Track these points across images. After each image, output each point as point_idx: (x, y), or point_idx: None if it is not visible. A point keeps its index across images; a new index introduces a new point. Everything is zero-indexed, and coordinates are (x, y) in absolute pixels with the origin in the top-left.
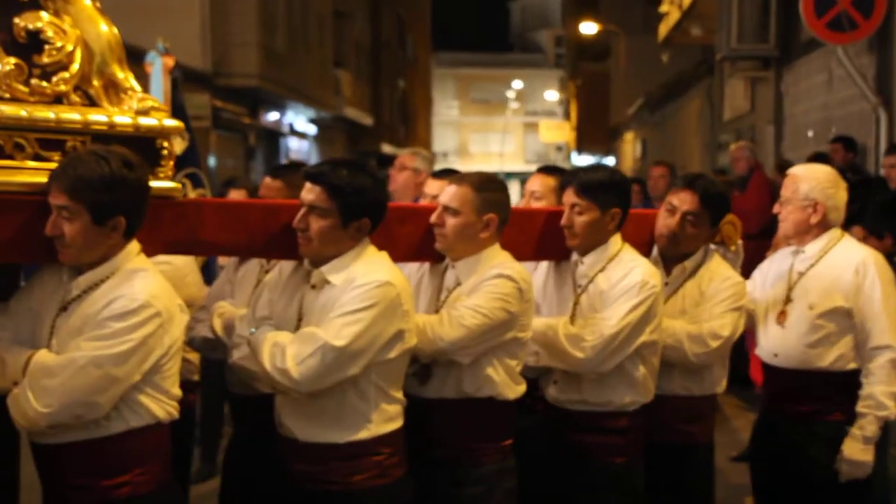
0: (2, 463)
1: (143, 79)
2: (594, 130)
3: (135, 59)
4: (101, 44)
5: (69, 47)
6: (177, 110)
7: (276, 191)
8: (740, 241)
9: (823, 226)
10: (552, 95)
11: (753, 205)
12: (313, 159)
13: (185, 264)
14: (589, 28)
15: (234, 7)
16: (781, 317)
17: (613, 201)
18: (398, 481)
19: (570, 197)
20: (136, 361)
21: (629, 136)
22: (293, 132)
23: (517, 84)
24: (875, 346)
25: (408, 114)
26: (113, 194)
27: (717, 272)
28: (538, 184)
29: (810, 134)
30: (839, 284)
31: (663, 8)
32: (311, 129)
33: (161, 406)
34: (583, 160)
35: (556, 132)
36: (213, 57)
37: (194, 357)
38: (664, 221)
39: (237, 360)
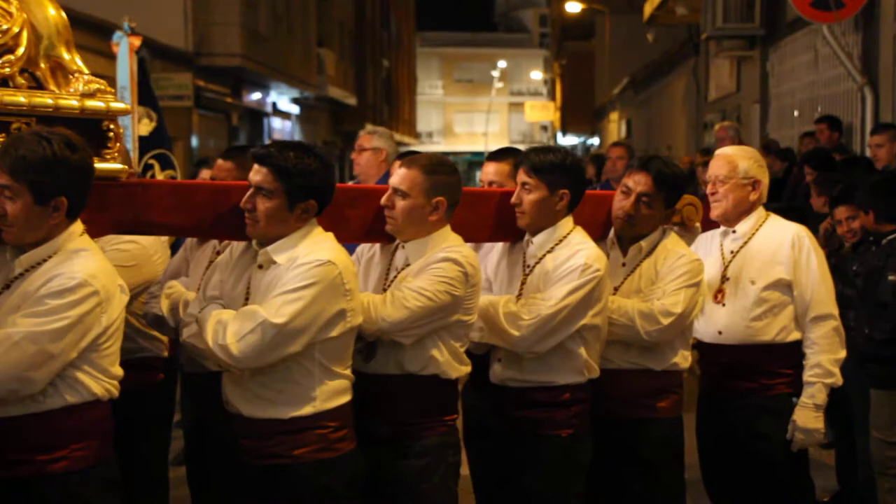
0: None
1: (112, 58)
2: (579, 110)
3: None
4: (49, 27)
5: (15, 30)
6: (144, 90)
7: (227, 171)
8: (698, 224)
9: (758, 204)
10: (537, 75)
11: None
12: (297, 139)
13: (152, 243)
14: (574, 7)
15: None
16: (720, 295)
17: (562, 182)
18: (345, 455)
19: (520, 175)
20: (72, 339)
21: (614, 117)
22: (276, 112)
23: (502, 64)
24: (816, 316)
25: (392, 94)
26: (54, 175)
27: (673, 251)
28: (493, 172)
29: (796, 114)
30: (777, 258)
31: None
32: (295, 109)
33: (99, 384)
34: (568, 140)
35: (541, 112)
36: (195, 36)
37: (162, 335)
38: (619, 203)
39: (186, 339)
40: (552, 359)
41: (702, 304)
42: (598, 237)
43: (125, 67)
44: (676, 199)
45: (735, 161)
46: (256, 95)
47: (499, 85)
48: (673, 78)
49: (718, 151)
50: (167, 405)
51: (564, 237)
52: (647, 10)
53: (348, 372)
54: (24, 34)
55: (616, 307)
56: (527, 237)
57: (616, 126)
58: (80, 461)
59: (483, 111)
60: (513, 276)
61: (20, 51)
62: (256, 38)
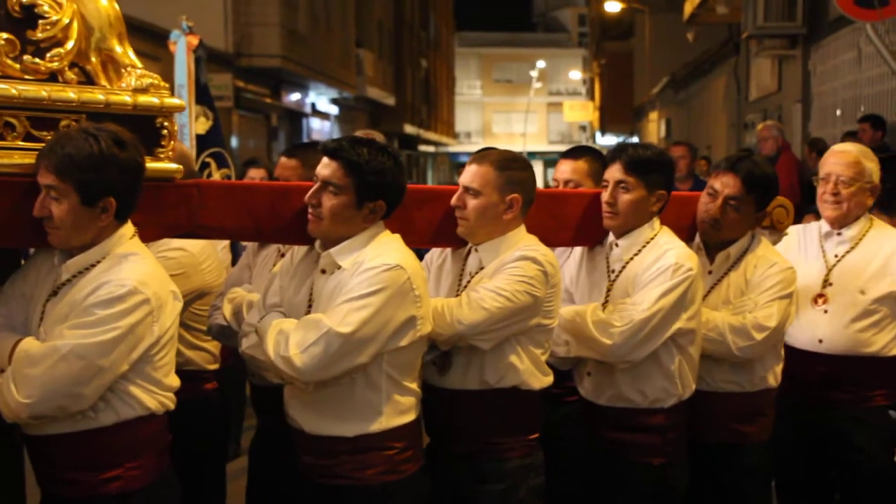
0: (2, 458)
1: (169, 58)
2: (618, 110)
3: (159, 39)
4: (100, 18)
5: (65, 21)
6: (200, 89)
7: (291, 170)
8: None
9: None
10: (576, 75)
11: (781, 185)
12: None
13: (201, 250)
14: (613, 6)
15: None
16: (820, 300)
17: (660, 182)
18: (411, 477)
19: (615, 173)
20: (123, 350)
21: (653, 116)
22: (315, 112)
23: (540, 64)
24: None
25: (430, 94)
26: (102, 174)
27: (764, 258)
28: (569, 171)
29: (838, 113)
30: (889, 268)
31: None
32: (333, 110)
33: (153, 397)
34: (607, 140)
35: (580, 112)
36: (234, 37)
37: (213, 346)
38: (705, 206)
39: (246, 350)
40: (644, 369)
41: (794, 314)
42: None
43: (182, 66)
44: (767, 202)
45: (863, 163)
46: (296, 96)
47: (537, 85)
48: (713, 77)
49: (840, 148)
50: (219, 418)
51: (651, 239)
52: (688, 8)
53: (416, 386)
54: (75, 26)
55: (704, 320)
56: (610, 240)
57: (655, 126)
58: (135, 480)
59: (521, 111)
60: (595, 283)
61: (70, 44)
62: (296, 38)
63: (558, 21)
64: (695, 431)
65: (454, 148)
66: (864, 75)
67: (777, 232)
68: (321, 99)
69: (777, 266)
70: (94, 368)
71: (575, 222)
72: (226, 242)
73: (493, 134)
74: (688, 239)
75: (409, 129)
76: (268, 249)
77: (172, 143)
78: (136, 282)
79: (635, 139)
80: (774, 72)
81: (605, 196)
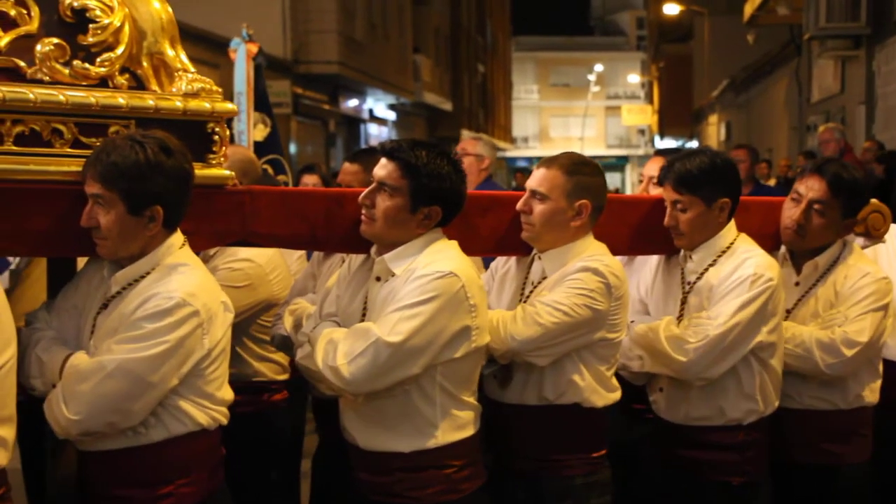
0: (33, 472)
1: (228, 66)
2: (677, 113)
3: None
4: (153, 22)
5: (116, 26)
6: (259, 96)
7: (353, 175)
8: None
9: None
10: (634, 78)
11: None
12: None
13: (269, 261)
14: (672, 9)
15: None
16: None
17: (719, 191)
18: (470, 496)
19: (669, 193)
20: (172, 365)
21: (713, 119)
22: (373, 118)
23: (598, 67)
24: None
25: (487, 99)
26: (148, 182)
27: (855, 268)
28: (657, 168)
29: None
30: None
31: None
32: (391, 115)
33: (205, 412)
34: (666, 144)
35: (639, 116)
36: (293, 44)
37: (282, 357)
38: (789, 212)
39: (300, 360)
40: (722, 386)
41: (890, 328)
42: (767, 252)
43: (242, 73)
44: (858, 207)
45: None
46: (353, 102)
47: (595, 89)
48: (774, 79)
49: None
50: (290, 430)
51: (728, 248)
52: (748, 10)
53: (473, 400)
54: (126, 30)
55: (790, 335)
56: (684, 251)
57: (715, 129)
58: (187, 497)
59: (579, 115)
60: (669, 296)
61: (120, 49)
62: (353, 45)
63: (616, 24)
64: (784, 451)
65: (511, 153)
66: None
67: (873, 239)
68: (379, 105)
69: (870, 276)
70: (142, 384)
71: (649, 230)
72: (301, 252)
73: (550, 138)
74: (773, 248)
75: (467, 134)
76: (333, 258)
77: (224, 148)
78: (185, 293)
79: (695, 143)
80: (837, 73)
81: (666, 219)
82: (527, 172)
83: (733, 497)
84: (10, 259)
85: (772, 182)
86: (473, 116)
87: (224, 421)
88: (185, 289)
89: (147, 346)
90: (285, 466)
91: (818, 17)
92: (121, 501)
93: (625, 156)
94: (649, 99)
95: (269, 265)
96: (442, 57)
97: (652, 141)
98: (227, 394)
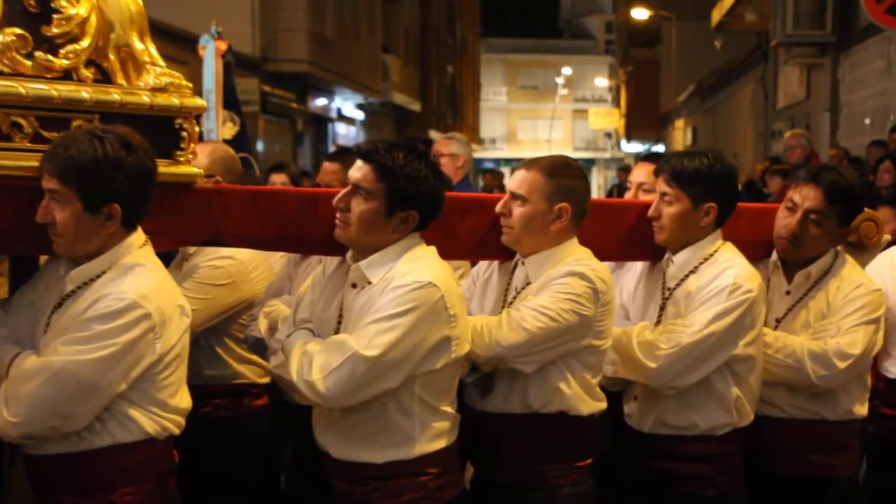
0: None
1: (197, 63)
2: (644, 117)
3: (186, 43)
4: (121, 14)
5: (82, 17)
6: (228, 94)
7: (333, 174)
8: (886, 238)
9: None
10: (602, 82)
11: None
12: None
13: (251, 259)
14: (640, 13)
15: None
16: None
17: (708, 194)
18: None
19: (660, 185)
20: (121, 369)
21: (679, 124)
22: (341, 117)
23: (566, 70)
24: None
25: (456, 100)
26: (106, 179)
27: (848, 279)
28: (644, 174)
29: (867, 122)
30: None
31: None
32: (359, 115)
33: (154, 420)
34: (632, 147)
35: (606, 119)
36: (261, 42)
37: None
38: (783, 221)
39: (273, 369)
40: (696, 397)
41: (881, 341)
42: (757, 259)
43: (211, 70)
44: (852, 216)
45: None
46: (322, 101)
47: (563, 91)
48: (740, 85)
49: None
50: (271, 432)
51: (711, 255)
52: (716, 16)
53: (452, 409)
54: (92, 21)
55: (781, 345)
56: (667, 256)
57: (682, 133)
58: None
59: (547, 118)
60: (650, 301)
61: (86, 41)
62: (323, 43)
63: (585, 28)
64: (765, 462)
65: (479, 154)
66: (894, 84)
67: (865, 248)
68: (347, 104)
69: (863, 287)
70: (87, 387)
71: (632, 234)
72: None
73: (518, 140)
74: (763, 256)
75: (435, 134)
76: (310, 260)
77: (192, 145)
78: (137, 295)
79: (661, 147)
80: (803, 80)
81: (651, 209)
82: (495, 174)
83: None
84: None
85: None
86: (442, 117)
87: (176, 431)
88: (139, 290)
89: (94, 349)
90: (263, 474)
91: (785, 24)
92: None
93: (591, 158)
94: (616, 102)
95: (252, 263)
96: (411, 57)
97: (618, 144)
98: (183, 401)
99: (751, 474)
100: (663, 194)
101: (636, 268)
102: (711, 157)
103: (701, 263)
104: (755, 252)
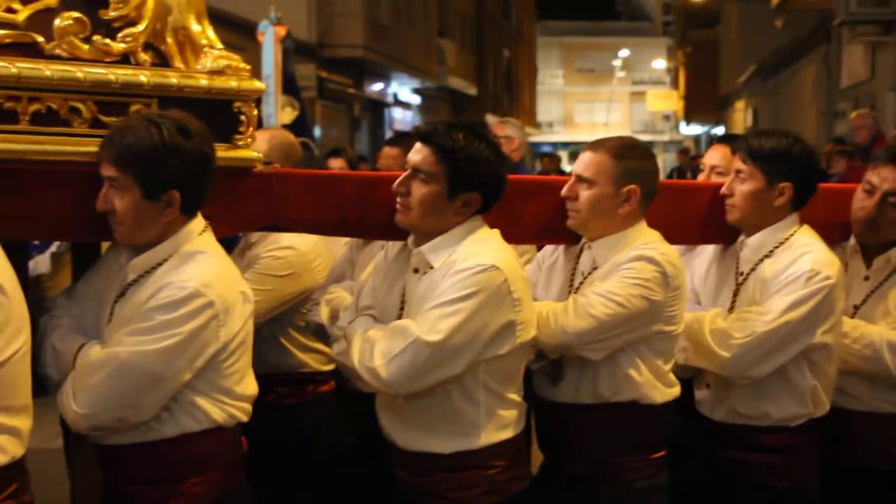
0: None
1: (255, 49)
2: (703, 99)
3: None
4: None
5: (138, 0)
6: (287, 79)
7: (393, 159)
8: None
9: None
10: (660, 64)
11: None
12: None
13: (312, 248)
14: None
15: None
16: None
17: (783, 173)
18: (514, 498)
19: (736, 162)
20: (185, 358)
21: (740, 105)
22: (397, 102)
23: (623, 53)
24: None
25: (512, 83)
26: (164, 165)
27: None
28: (719, 156)
29: None
30: None
31: None
32: (416, 100)
33: (221, 408)
34: (691, 130)
35: (664, 101)
36: (318, 28)
37: (326, 347)
38: (861, 203)
39: (336, 356)
40: (770, 387)
41: None
42: (834, 243)
43: (270, 56)
44: None
45: None
46: (378, 86)
47: (620, 74)
48: (802, 65)
49: None
50: (337, 420)
51: (787, 238)
52: None
53: (518, 398)
54: (149, 4)
55: (858, 334)
56: (741, 239)
57: (742, 115)
58: (200, 497)
59: (604, 101)
60: (723, 286)
61: (143, 24)
62: (378, 29)
63: (642, 9)
64: (850, 455)
65: (536, 138)
66: None
67: None
68: (403, 89)
69: None
70: (152, 378)
71: (704, 216)
72: (348, 238)
73: (574, 123)
74: (841, 240)
75: (491, 118)
76: (372, 245)
77: (251, 128)
78: (199, 283)
79: (721, 130)
80: (867, 59)
81: (724, 187)
82: (552, 157)
83: (779, 501)
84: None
85: None
86: (498, 101)
87: (244, 418)
88: (200, 278)
89: (158, 339)
90: (330, 463)
91: (848, 3)
92: (132, 498)
93: (650, 141)
94: (675, 84)
95: (313, 253)
96: (467, 41)
97: (677, 127)
98: (249, 388)
99: (827, 466)
100: (738, 171)
101: (707, 251)
102: (791, 137)
103: (776, 247)
104: (832, 235)
